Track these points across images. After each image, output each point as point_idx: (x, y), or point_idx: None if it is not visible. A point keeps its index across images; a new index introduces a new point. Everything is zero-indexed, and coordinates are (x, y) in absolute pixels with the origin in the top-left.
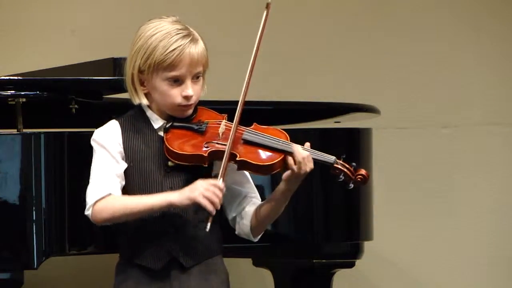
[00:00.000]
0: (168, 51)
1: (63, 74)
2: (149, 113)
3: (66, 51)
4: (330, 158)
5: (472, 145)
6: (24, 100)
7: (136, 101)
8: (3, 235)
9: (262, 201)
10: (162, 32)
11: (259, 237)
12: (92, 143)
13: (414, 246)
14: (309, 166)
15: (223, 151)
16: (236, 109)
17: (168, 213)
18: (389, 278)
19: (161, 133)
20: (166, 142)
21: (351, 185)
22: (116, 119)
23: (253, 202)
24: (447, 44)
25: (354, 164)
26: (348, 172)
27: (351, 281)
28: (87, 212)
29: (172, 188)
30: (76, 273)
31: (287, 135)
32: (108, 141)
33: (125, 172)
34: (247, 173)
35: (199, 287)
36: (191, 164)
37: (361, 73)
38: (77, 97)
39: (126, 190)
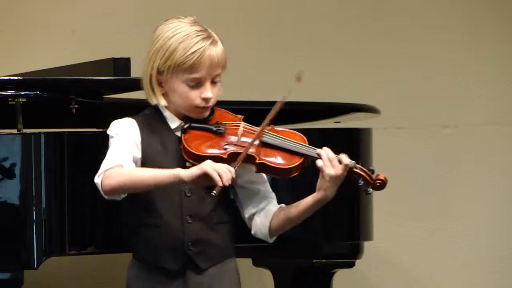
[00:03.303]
0: (188, 53)
1: (63, 74)
2: (166, 113)
3: (66, 51)
4: (350, 162)
5: (472, 145)
6: (24, 100)
7: (153, 102)
8: (3, 235)
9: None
10: (181, 34)
11: (274, 238)
12: (109, 132)
13: (414, 246)
14: (340, 167)
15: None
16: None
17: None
18: (389, 278)
19: (178, 134)
20: (184, 143)
21: (370, 190)
22: (133, 118)
23: (273, 203)
24: (447, 44)
25: (372, 168)
26: (367, 176)
27: (351, 281)
28: (97, 179)
29: (191, 189)
30: (76, 273)
31: (304, 138)
32: (126, 131)
33: None
34: (264, 174)
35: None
36: None
37: (361, 73)
38: (77, 97)
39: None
